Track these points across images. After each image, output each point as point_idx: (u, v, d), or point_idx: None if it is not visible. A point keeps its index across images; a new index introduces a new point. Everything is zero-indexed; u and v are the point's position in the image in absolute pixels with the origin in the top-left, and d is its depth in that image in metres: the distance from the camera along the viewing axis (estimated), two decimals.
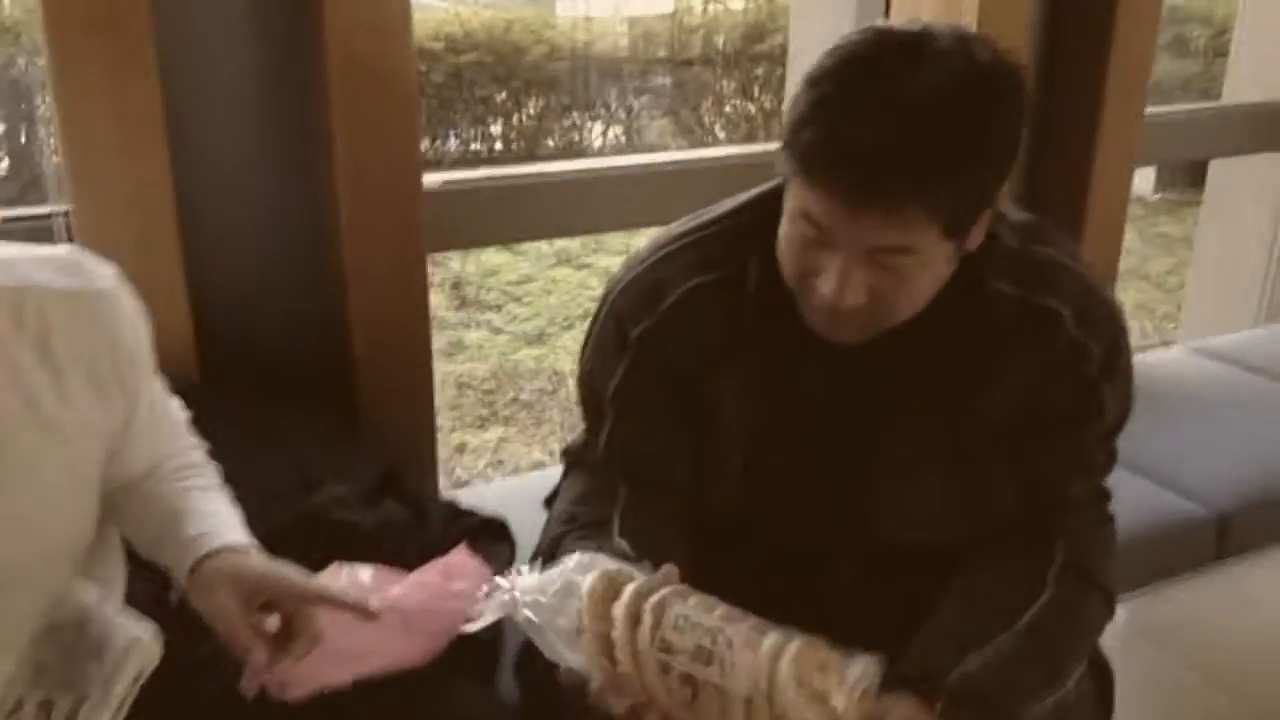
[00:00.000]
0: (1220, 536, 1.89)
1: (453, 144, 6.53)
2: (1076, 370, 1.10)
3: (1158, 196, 6.03)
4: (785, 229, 1.05)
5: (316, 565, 1.15)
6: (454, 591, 1.13)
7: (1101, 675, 1.25)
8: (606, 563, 0.97)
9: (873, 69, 0.96)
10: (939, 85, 0.94)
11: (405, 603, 1.12)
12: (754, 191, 1.19)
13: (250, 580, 0.98)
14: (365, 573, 1.14)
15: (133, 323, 1.01)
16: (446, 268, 4.83)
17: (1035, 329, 1.09)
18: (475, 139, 6.63)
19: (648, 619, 0.90)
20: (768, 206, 1.12)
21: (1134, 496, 1.83)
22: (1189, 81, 6.66)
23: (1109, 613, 1.18)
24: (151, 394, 1.06)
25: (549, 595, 0.95)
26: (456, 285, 4.77)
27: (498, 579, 0.99)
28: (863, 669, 0.92)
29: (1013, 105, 0.99)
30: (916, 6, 2.15)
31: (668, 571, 0.97)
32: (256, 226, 1.70)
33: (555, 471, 1.35)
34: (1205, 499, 1.90)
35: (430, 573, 1.16)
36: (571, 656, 0.93)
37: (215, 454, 1.25)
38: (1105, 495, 1.21)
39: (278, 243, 1.71)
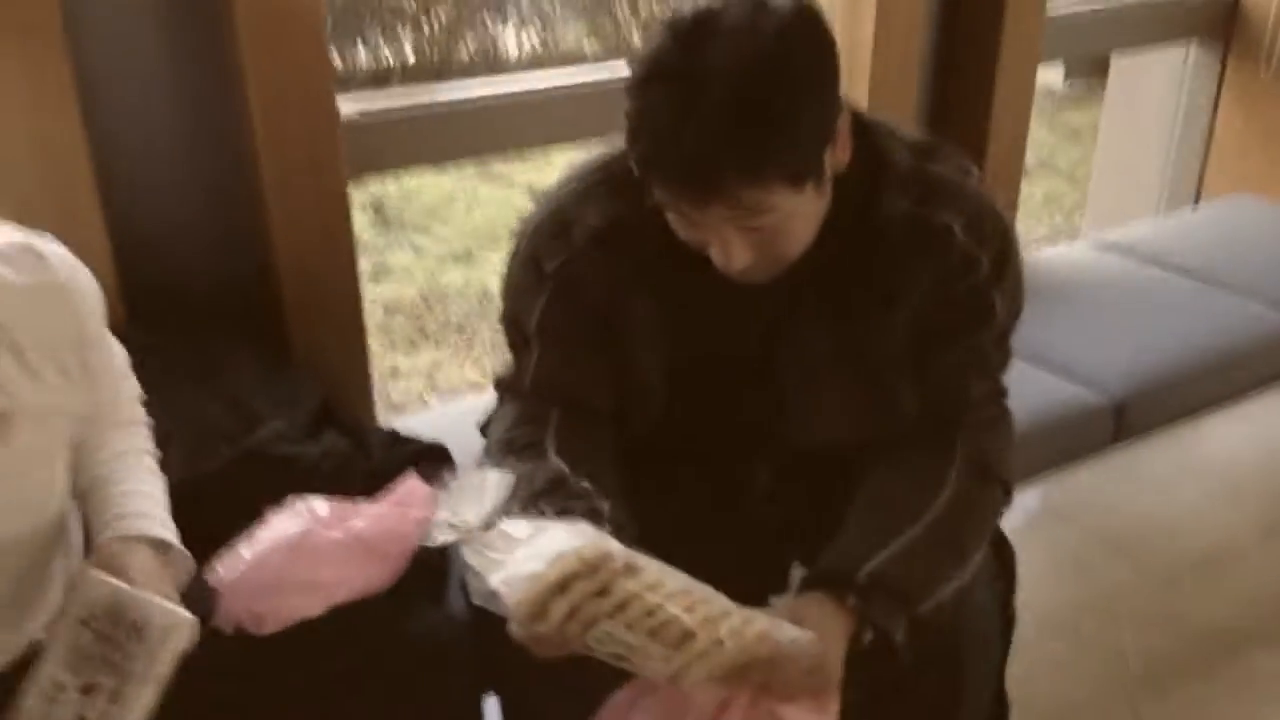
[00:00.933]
0: (1117, 420, 2.01)
1: (363, 57, 6.36)
2: (968, 278, 1.17)
3: (1066, 85, 6.12)
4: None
5: (265, 501, 1.20)
6: (410, 518, 1.18)
7: (1002, 553, 1.34)
8: (549, 540, 1.01)
9: (667, 76, 1.00)
10: (727, 75, 0.98)
11: (368, 533, 1.17)
12: None
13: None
14: (321, 505, 1.18)
15: (92, 307, 1.05)
16: (366, 190, 4.77)
17: (929, 241, 1.16)
18: (386, 51, 6.47)
19: (574, 629, 0.96)
20: None
21: (1035, 387, 1.97)
22: None
23: (1006, 502, 1.27)
24: (109, 373, 1.11)
25: (488, 554, 1.01)
26: (378, 207, 4.71)
27: (447, 517, 1.05)
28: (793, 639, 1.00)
29: (812, 55, 1.03)
30: None
31: (605, 555, 1.00)
32: (175, 167, 1.70)
33: (489, 394, 1.40)
34: (1102, 386, 2.01)
35: (386, 502, 1.21)
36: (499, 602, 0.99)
37: (152, 396, 1.28)
38: (1002, 392, 1.29)
39: (198, 183, 1.71)
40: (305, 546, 1.14)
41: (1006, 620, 1.34)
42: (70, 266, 1.04)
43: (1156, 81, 3.25)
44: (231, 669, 1.12)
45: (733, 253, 1.06)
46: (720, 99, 0.97)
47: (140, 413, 1.23)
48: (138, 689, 0.96)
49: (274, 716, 1.17)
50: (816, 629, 1.04)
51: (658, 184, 1.04)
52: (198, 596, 1.12)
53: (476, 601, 1.02)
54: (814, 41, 1.03)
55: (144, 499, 1.12)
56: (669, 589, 0.98)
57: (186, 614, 1.00)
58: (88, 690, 0.96)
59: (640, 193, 1.18)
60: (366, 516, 1.20)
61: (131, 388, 1.22)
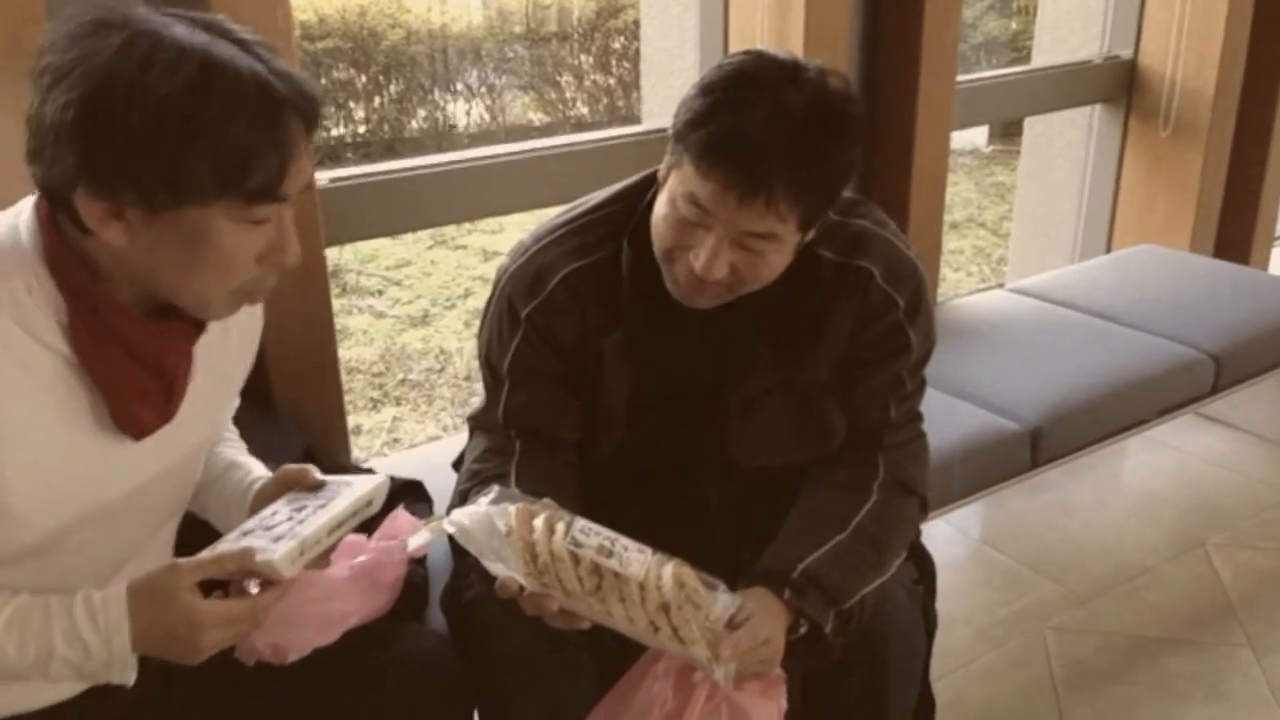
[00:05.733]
0: (1034, 446, 2.20)
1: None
2: (886, 316, 1.35)
3: (991, 148, 6.46)
4: (664, 210, 1.26)
5: None
6: (402, 548, 1.30)
7: (922, 562, 1.50)
8: (518, 497, 1.19)
9: (757, 82, 1.18)
10: (810, 103, 1.17)
11: (369, 564, 1.29)
12: (621, 185, 1.40)
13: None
14: None
15: (261, 314, 1.26)
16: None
17: (852, 285, 1.34)
18: (338, 124, 6.64)
19: (560, 528, 1.14)
20: (635, 198, 1.35)
21: (959, 418, 2.16)
22: (1014, 38, 7.13)
23: (923, 513, 1.44)
24: None
25: (473, 521, 1.16)
26: (335, 273, 4.85)
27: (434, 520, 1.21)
28: (726, 604, 1.17)
29: (860, 128, 1.23)
30: None
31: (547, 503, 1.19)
32: None
33: (451, 442, 1.54)
34: (1019, 415, 2.20)
35: (380, 535, 1.33)
36: (497, 567, 1.14)
37: None
38: (918, 416, 1.47)
39: None
40: (315, 582, 1.25)
41: (928, 622, 1.48)
42: None
43: (1066, 142, 3.50)
44: (240, 692, 1.24)
45: (716, 262, 1.21)
46: (799, 119, 1.15)
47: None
48: (321, 510, 1.13)
49: None
50: (759, 614, 1.20)
51: (714, 167, 1.16)
52: None
53: (453, 533, 1.17)
54: (863, 121, 1.23)
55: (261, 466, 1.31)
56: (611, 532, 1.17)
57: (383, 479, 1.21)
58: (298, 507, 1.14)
59: (604, 246, 1.35)
60: (366, 550, 1.32)
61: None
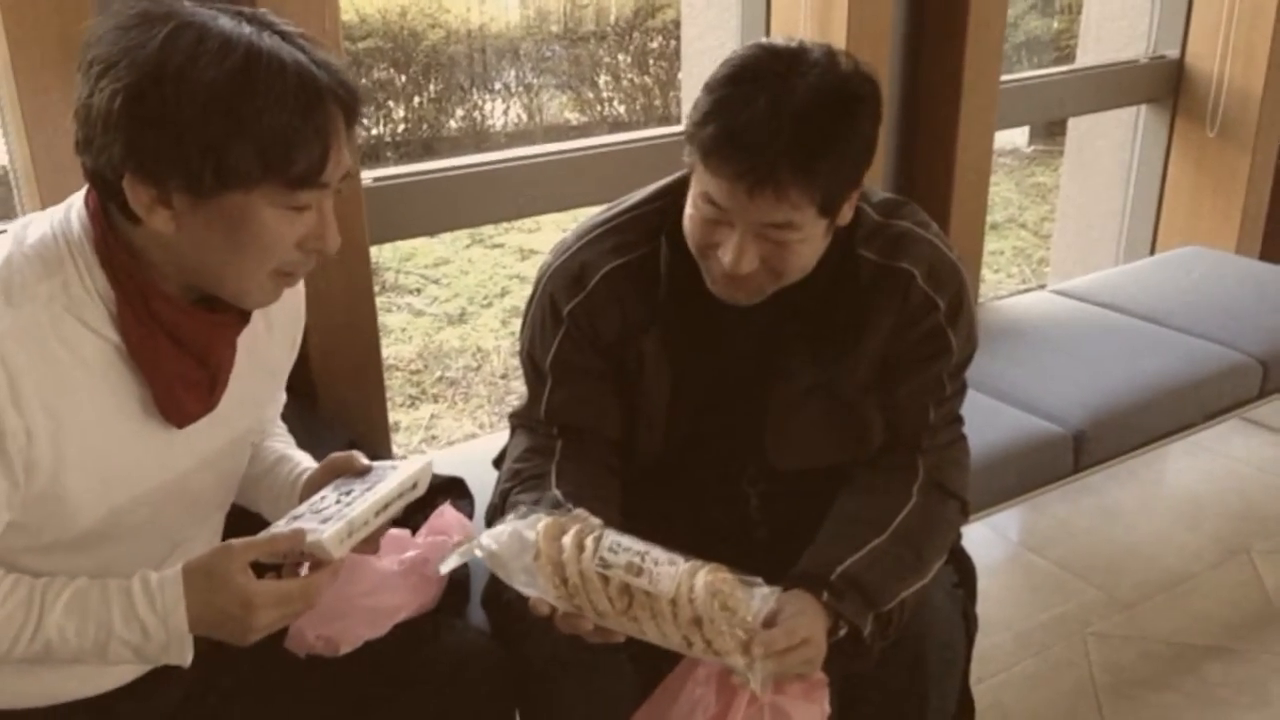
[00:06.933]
0: (1077, 451, 2.17)
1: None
2: (927, 319, 1.34)
3: (1032, 148, 6.39)
4: (690, 211, 1.27)
5: None
6: (451, 543, 1.32)
7: (962, 566, 1.49)
8: (544, 516, 1.18)
9: (759, 76, 1.18)
10: (812, 90, 1.17)
11: (417, 560, 1.31)
12: (660, 183, 1.41)
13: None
14: None
15: (304, 306, 1.28)
16: None
17: (892, 286, 1.33)
18: (377, 123, 6.69)
19: (589, 545, 1.13)
20: (673, 196, 1.35)
21: (1002, 421, 2.14)
22: (1057, 36, 7.05)
23: (963, 517, 1.43)
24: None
25: (500, 543, 1.15)
26: (374, 271, 4.85)
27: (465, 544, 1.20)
28: (764, 596, 1.16)
29: (870, 107, 1.22)
30: None
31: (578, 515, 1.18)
32: None
33: (489, 440, 1.55)
34: (1063, 419, 2.18)
35: (427, 531, 1.35)
36: (527, 588, 1.14)
37: None
38: (958, 419, 1.46)
39: None
40: (365, 576, 1.27)
41: (968, 625, 1.47)
42: None
43: (1111, 142, 3.46)
44: (291, 683, 1.26)
45: (745, 255, 1.21)
46: (800, 107, 1.15)
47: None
48: (367, 493, 1.15)
49: None
50: (799, 616, 1.19)
51: (720, 164, 1.18)
52: None
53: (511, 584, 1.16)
54: (875, 98, 1.22)
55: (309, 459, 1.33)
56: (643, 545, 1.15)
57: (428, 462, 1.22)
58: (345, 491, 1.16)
59: (644, 245, 1.36)
60: (413, 545, 1.34)
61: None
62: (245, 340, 1.15)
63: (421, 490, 1.21)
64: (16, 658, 1.04)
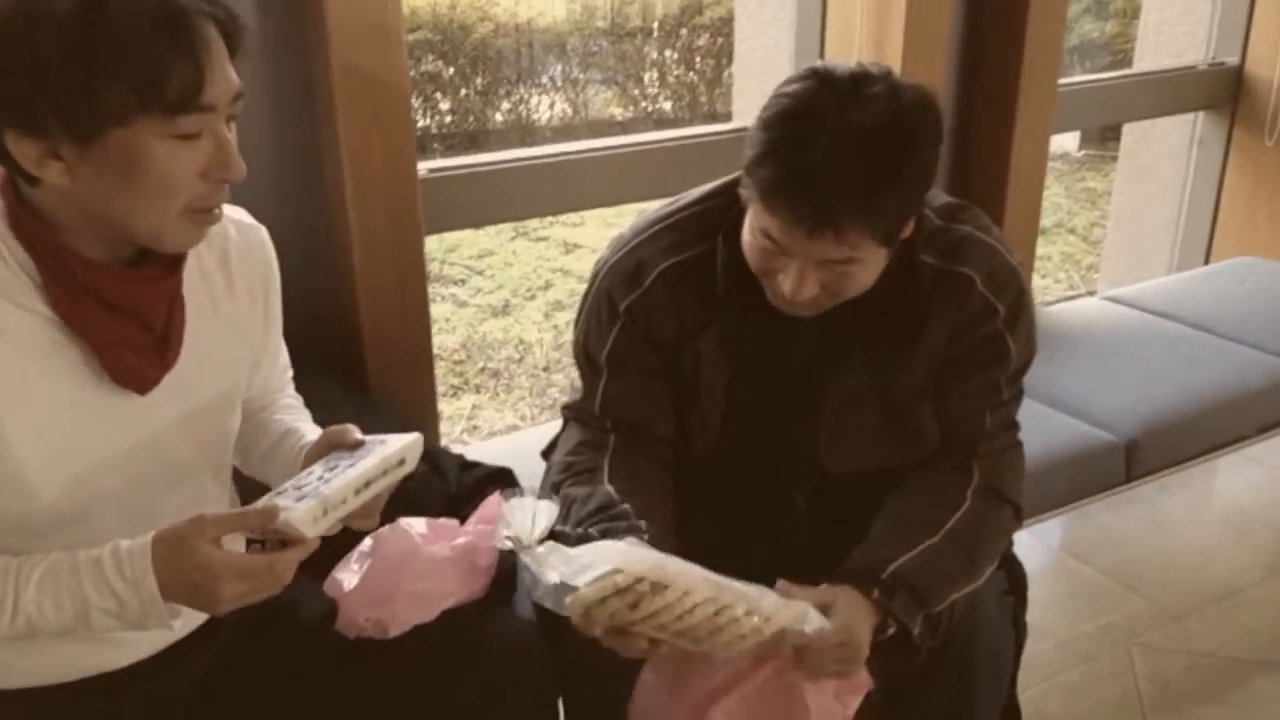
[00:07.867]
0: (1129, 459, 2.15)
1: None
2: (986, 323, 1.33)
3: (1082, 153, 6.32)
4: (748, 238, 1.26)
5: None
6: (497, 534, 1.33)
7: (1013, 573, 1.48)
8: (595, 554, 1.14)
9: (816, 112, 1.16)
10: (872, 125, 1.15)
11: (466, 548, 1.31)
12: (718, 182, 1.40)
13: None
14: (419, 524, 1.33)
15: (275, 264, 1.26)
16: None
17: (951, 290, 1.32)
18: (424, 115, 6.73)
19: (627, 616, 1.11)
20: (730, 195, 1.35)
21: (1052, 427, 2.12)
22: (1111, 40, 6.96)
23: (1017, 522, 1.41)
24: (278, 329, 1.30)
25: (542, 591, 1.14)
26: None
27: (506, 531, 1.17)
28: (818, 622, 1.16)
29: (931, 139, 1.20)
30: None
31: (636, 578, 1.10)
32: (277, 221, 1.88)
33: (532, 432, 1.55)
34: (1115, 428, 2.16)
35: (476, 519, 1.35)
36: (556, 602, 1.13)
37: None
38: (1014, 425, 1.44)
39: (296, 233, 1.88)
40: (415, 561, 1.28)
41: (1017, 633, 1.46)
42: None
43: (1166, 149, 3.42)
44: (341, 664, 1.27)
45: (804, 286, 1.21)
46: (860, 149, 1.13)
47: (292, 386, 1.42)
48: (352, 468, 1.11)
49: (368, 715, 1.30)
50: (845, 614, 1.19)
51: (779, 205, 1.16)
52: (316, 602, 1.29)
53: (535, 599, 1.15)
54: (935, 125, 1.20)
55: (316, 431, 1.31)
56: (696, 599, 1.11)
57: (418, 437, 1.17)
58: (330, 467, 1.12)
59: (701, 243, 1.36)
60: (463, 533, 1.35)
61: (287, 360, 1.40)
62: (202, 298, 1.14)
63: (410, 466, 1.17)
64: (3, 636, 1.04)
